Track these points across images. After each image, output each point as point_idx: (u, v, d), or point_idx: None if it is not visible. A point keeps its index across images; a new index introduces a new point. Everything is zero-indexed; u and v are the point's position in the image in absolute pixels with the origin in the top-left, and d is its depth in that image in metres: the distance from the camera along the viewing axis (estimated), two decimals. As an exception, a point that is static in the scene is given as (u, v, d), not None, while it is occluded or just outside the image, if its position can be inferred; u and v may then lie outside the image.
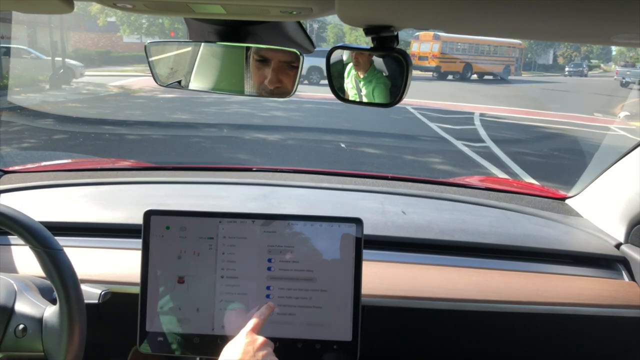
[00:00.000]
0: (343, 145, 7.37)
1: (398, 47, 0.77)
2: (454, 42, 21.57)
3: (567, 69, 30.71)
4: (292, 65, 0.91)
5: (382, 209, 1.40)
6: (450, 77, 21.81)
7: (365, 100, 0.86)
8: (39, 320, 0.90)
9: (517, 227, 1.36)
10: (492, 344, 1.22)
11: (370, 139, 7.94)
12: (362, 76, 0.85)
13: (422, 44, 21.41)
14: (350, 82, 0.87)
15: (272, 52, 0.91)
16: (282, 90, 0.93)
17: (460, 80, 21.25)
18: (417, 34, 21.05)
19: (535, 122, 10.51)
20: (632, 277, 1.23)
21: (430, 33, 18.61)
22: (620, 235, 1.30)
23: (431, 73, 21.53)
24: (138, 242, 1.04)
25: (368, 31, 0.73)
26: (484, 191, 1.63)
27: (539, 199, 1.59)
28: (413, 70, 0.80)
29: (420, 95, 13.67)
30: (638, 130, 9.65)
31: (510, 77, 23.78)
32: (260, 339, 0.89)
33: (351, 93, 0.88)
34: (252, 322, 0.92)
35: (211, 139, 7.65)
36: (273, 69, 0.92)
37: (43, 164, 1.93)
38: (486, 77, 22.92)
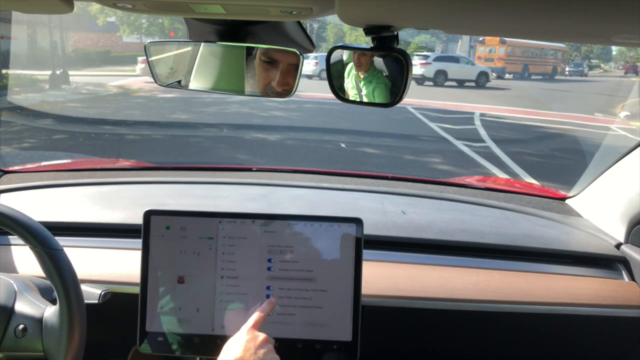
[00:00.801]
0: (343, 145, 7.37)
1: (398, 46, 0.77)
2: (515, 46, 24.22)
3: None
4: (296, 67, 0.92)
5: (382, 209, 1.40)
6: (509, 76, 24.36)
7: (365, 100, 0.86)
8: (39, 320, 0.90)
9: (517, 227, 1.36)
10: (491, 344, 1.22)
11: (370, 139, 7.94)
12: (362, 76, 0.85)
13: (487, 47, 24.93)
14: (351, 82, 0.87)
15: (281, 54, 0.92)
16: (287, 90, 0.94)
17: (519, 79, 24.02)
18: (482, 38, 24.47)
19: (536, 122, 10.51)
20: (632, 277, 1.23)
21: (497, 38, 21.49)
22: (620, 235, 1.30)
23: (493, 73, 24.16)
24: (138, 242, 1.04)
25: (368, 31, 0.73)
26: (484, 191, 1.63)
27: (539, 199, 1.59)
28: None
29: (421, 95, 13.68)
30: (638, 130, 9.65)
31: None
32: (262, 336, 0.89)
33: (351, 93, 0.88)
34: (254, 319, 0.92)
35: (211, 139, 7.64)
36: (281, 71, 0.92)
37: (43, 164, 1.93)
38: (534, 76, 25.29)
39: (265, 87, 0.94)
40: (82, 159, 3.76)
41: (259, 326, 0.92)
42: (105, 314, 1.07)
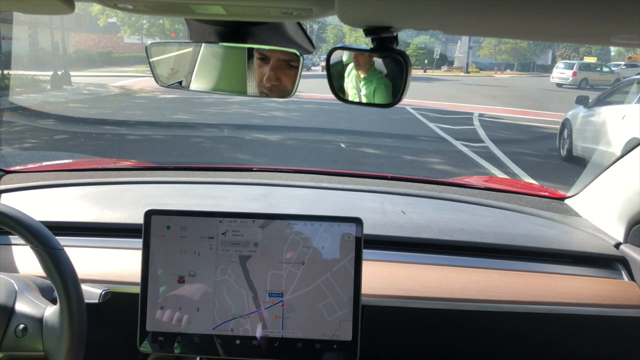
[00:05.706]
0: (343, 146, 7.38)
1: (397, 47, 0.77)
2: (646, 60, 32.20)
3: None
4: (290, 64, 0.92)
5: (382, 209, 1.40)
6: (640, 74, 31.50)
7: (365, 100, 0.87)
8: (39, 320, 0.90)
9: (517, 227, 1.36)
10: (491, 344, 1.22)
11: (370, 139, 7.95)
12: (362, 76, 0.86)
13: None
14: (351, 83, 0.88)
15: (271, 51, 0.92)
16: (280, 88, 0.94)
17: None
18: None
19: (534, 122, 10.51)
20: (631, 277, 1.23)
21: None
22: (619, 235, 1.30)
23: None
24: (139, 242, 1.05)
25: (368, 32, 0.73)
26: (483, 191, 1.64)
27: (538, 198, 1.59)
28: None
29: (420, 96, 13.69)
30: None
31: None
32: None
33: (351, 93, 0.88)
34: None
35: (212, 139, 7.66)
36: (271, 67, 0.93)
37: (44, 164, 1.94)
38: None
39: (259, 83, 0.95)
40: (83, 159, 3.77)
41: None
42: (105, 313, 1.07)
